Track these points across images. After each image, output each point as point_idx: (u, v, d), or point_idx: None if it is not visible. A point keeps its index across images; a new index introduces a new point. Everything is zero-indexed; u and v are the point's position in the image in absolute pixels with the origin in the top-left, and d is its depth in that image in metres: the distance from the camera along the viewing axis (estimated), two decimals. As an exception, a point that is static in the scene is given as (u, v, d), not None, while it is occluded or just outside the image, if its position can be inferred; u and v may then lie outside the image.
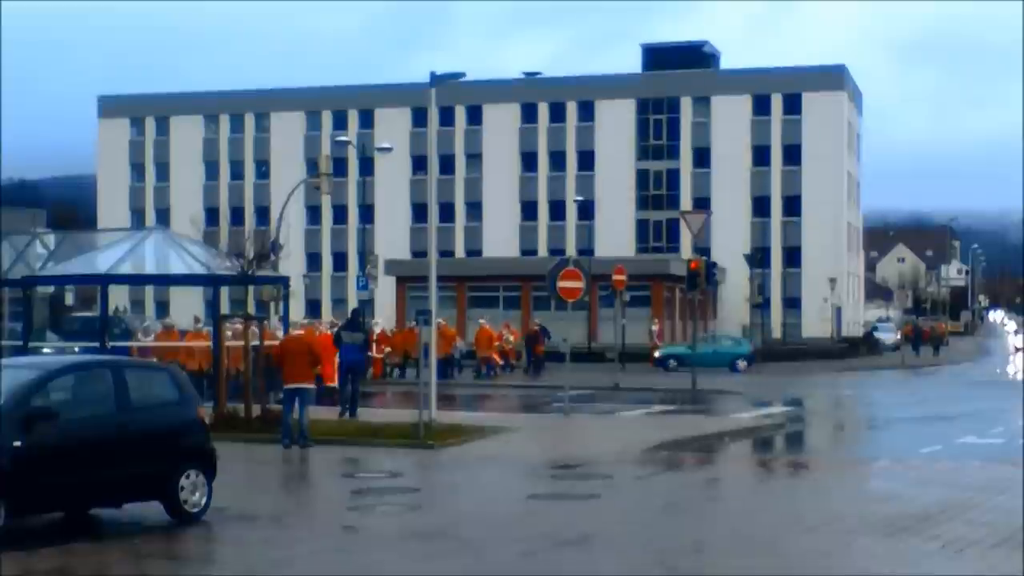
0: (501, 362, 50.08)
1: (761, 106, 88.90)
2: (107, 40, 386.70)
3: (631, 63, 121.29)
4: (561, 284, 30.73)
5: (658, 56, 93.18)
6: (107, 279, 28.27)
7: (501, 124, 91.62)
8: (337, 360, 29.82)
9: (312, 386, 24.24)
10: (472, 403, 36.38)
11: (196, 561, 14.02)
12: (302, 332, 26.69)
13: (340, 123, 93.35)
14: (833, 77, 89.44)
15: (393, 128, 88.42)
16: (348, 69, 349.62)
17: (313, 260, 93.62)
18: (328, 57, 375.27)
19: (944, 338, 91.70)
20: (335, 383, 30.82)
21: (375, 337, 42.46)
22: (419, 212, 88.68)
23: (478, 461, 21.63)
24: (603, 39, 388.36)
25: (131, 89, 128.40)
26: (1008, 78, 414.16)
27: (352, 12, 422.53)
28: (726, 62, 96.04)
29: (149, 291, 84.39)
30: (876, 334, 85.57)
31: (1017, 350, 74.42)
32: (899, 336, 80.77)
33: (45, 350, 29.02)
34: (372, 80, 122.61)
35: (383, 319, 54.88)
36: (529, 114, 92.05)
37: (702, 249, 64.22)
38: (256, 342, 25.90)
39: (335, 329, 33.28)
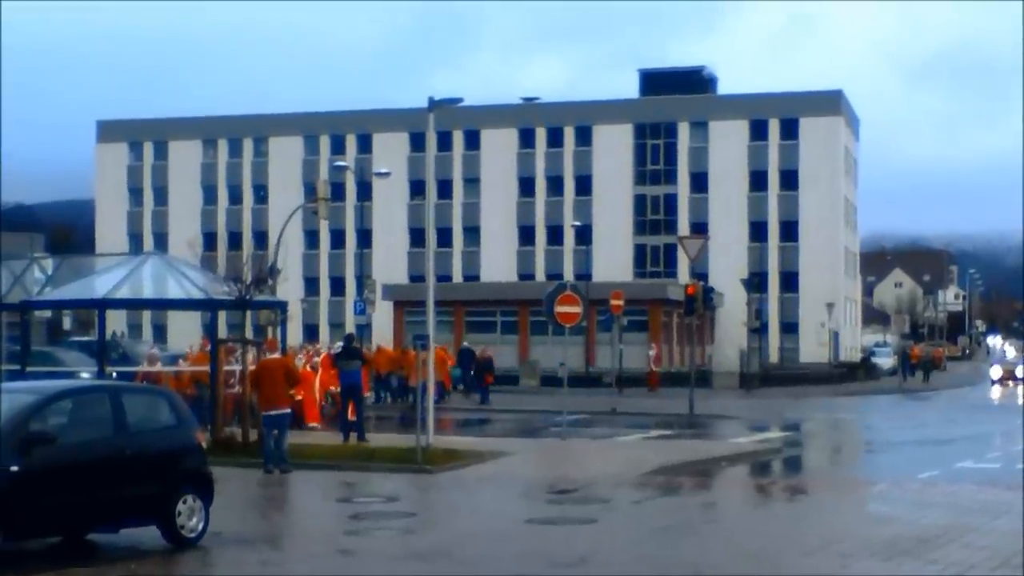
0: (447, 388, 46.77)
1: (758, 131, 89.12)
2: (105, 64, 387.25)
3: (629, 88, 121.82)
4: (559, 309, 30.74)
5: (656, 81, 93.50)
6: (105, 303, 28.21)
7: (499, 149, 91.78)
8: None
9: (288, 411, 23.92)
10: (466, 427, 36.31)
11: (193, 585, 14.02)
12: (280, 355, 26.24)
13: (338, 147, 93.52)
14: (830, 102, 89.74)
15: (391, 153, 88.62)
16: (351, 90, 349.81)
17: (311, 284, 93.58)
18: (335, 76, 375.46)
19: (940, 363, 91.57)
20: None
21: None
22: (417, 236, 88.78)
23: (476, 485, 21.61)
24: (601, 64, 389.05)
25: (130, 113, 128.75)
26: (1013, 95, 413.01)
27: (349, 33, 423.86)
28: (731, 83, 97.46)
29: (147, 315, 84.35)
30: (873, 359, 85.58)
31: (993, 382, 73.82)
32: (895, 361, 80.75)
33: (83, 374, 28.83)
34: (373, 103, 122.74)
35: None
36: (527, 139, 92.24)
37: (700, 274, 64.31)
38: (254, 366, 25.77)
39: (333, 351, 33.32)
